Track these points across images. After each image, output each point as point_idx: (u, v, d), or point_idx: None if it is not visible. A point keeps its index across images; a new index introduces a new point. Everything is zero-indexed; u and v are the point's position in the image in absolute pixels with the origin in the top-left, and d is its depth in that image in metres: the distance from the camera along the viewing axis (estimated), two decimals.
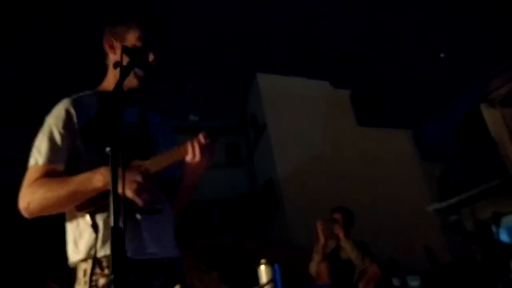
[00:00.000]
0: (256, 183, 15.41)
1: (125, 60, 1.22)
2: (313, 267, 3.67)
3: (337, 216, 3.77)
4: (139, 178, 1.24)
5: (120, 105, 1.09)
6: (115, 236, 0.92)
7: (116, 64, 1.19)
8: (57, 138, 1.34)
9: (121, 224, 0.92)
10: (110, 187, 0.97)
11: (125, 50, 1.25)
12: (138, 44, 1.40)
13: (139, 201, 1.24)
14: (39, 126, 1.39)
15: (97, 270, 1.23)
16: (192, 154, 1.32)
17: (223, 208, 14.92)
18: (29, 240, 7.51)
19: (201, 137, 1.33)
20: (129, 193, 1.22)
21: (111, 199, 0.95)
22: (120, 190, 0.97)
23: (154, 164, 1.32)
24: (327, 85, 15.66)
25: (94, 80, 1.54)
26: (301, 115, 14.02)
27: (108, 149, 0.99)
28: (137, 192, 1.23)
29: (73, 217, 1.34)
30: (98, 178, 1.23)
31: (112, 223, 0.93)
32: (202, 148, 1.33)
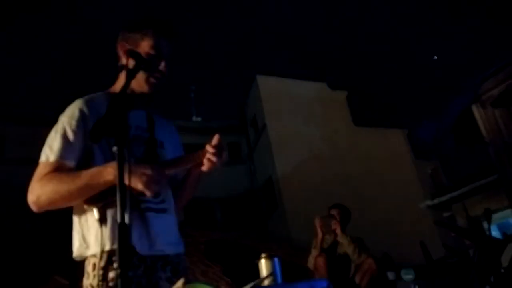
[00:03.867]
0: (256, 181, 15.49)
1: (131, 63, 1.22)
2: (311, 261, 3.71)
3: (334, 212, 3.83)
4: (148, 170, 1.25)
5: (126, 106, 1.08)
6: (122, 232, 0.93)
7: (122, 67, 1.21)
8: (70, 136, 1.33)
9: (127, 220, 0.93)
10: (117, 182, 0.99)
11: (130, 53, 1.25)
12: (152, 52, 1.41)
13: (147, 192, 1.25)
14: (52, 126, 1.39)
15: (106, 264, 1.26)
16: (209, 160, 1.41)
17: (225, 205, 14.99)
18: (36, 235, 7.54)
19: (215, 139, 1.40)
20: (138, 185, 1.22)
21: (118, 195, 0.96)
22: (127, 182, 0.97)
23: (171, 164, 1.41)
24: (324, 86, 15.67)
25: (107, 82, 1.57)
26: (299, 115, 14.11)
27: (115, 148, 0.99)
28: (146, 184, 1.23)
29: (82, 211, 1.34)
30: (109, 172, 1.23)
31: (119, 219, 0.94)
32: (218, 151, 1.40)
